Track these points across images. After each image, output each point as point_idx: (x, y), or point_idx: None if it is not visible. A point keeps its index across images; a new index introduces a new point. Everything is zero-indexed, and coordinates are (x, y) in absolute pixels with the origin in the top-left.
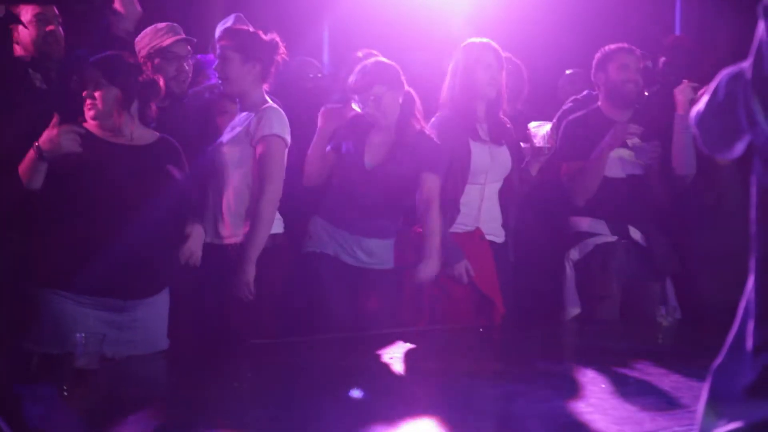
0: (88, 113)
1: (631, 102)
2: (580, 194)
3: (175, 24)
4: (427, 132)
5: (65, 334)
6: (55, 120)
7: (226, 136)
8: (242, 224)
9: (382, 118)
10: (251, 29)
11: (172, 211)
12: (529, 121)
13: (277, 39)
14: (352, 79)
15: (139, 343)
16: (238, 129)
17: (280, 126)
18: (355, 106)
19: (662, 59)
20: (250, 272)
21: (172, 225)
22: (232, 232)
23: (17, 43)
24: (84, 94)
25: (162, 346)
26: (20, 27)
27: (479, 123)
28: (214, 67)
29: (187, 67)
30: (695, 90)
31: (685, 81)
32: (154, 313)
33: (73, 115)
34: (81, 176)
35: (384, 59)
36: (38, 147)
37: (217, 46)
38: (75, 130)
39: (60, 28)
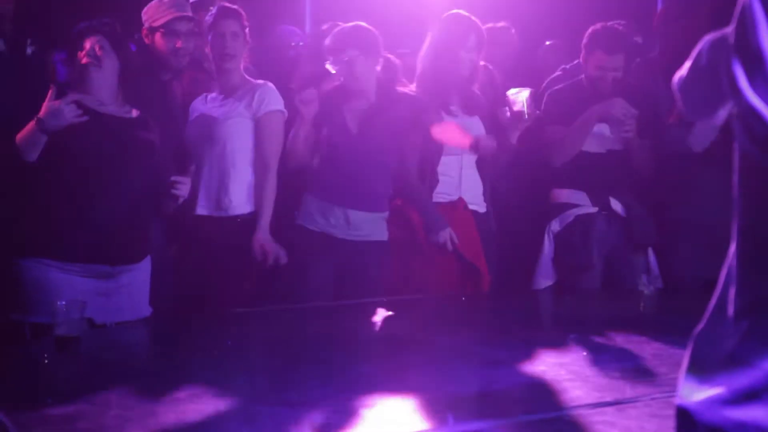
0: (86, 71)
1: (608, 94)
2: (558, 155)
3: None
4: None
5: (52, 303)
6: (52, 91)
7: (217, 110)
8: (245, 196)
9: (354, 81)
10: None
11: (153, 179)
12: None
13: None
14: (327, 41)
15: (126, 309)
16: (234, 104)
17: (280, 101)
18: (330, 67)
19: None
20: (268, 239)
21: (153, 193)
22: (236, 204)
23: None
24: (85, 56)
25: (145, 312)
26: None
27: (451, 96)
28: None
29: (188, 44)
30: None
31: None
32: (139, 279)
33: (33, 80)
34: (68, 144)
35: (363, 24)
36: (40, 120)
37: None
38: (76, 100)
39: None
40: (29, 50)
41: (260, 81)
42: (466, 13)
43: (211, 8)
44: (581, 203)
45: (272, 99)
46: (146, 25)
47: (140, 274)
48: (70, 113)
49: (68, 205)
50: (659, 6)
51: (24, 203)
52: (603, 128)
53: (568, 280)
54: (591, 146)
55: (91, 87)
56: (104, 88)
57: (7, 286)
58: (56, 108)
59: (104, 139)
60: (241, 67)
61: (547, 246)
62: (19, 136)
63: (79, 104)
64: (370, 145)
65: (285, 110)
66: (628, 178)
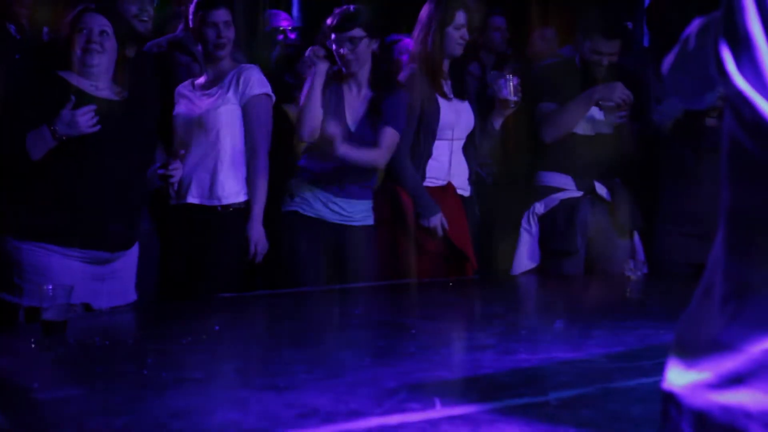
0: (87, 57)
1: (600, 78)
2: (550, 131)
3: None
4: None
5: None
6: (71, 102)
7: (207, 98)
8: (238, 184)
9: (356, 62)
10: None
11: (145, 163)
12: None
13: None
14: (330, 19)
15: (118, 293)
16: (220, 90)
17: (266, 84)
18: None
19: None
20: (260, 231)
21: (144, 178)
22: (229, 192)
23: None
24: (86, 40)
25: (132, 298)
26: None
27: (444, 79)
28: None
29: (149, 8)
30: None
31: None
32: (130, 263)
33: (49, 64)
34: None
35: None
36: (55, 131)
37: None
38: (93, 109)
39: None
40: (45, 37)
41: (246, 65)
42: None
43: None
44: (566, 187)
45: (257, 82)
46: None
47: (131, 259)
48: (84, 123)
49: (68, 190)
50: None
51: (23, 187)
52: (594, 111)
53: (551, 265)
54: (580, 128)
55: (90, 71)
56: (102, 72)
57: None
58: (71, 118)
59: (102, 124)
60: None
61: (533, 228)
62: (30, 136)
63: (72, 87)
64: (365, 140)
65: (272, 94)
66: (615, 162)
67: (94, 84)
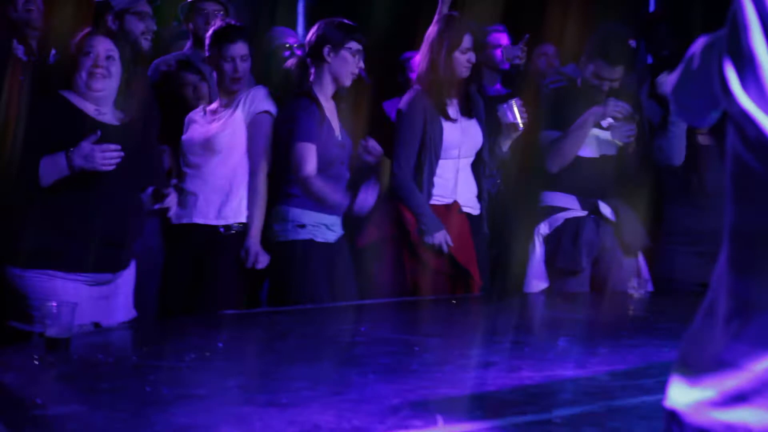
0: (93, 82)
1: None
2: (556, 161)
3: None
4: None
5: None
6: (95, 136)
7: (215, 123)
8: (241, 205)
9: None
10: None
11: (144, 183)
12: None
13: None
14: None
15: (120, 310)
16: (228, 112)
17: (269, 102)
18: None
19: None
20: (256, 246)
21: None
22: (236, 212)
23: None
24: (93, 64)
25: (132, 314)
26: None
27: (450, 99)
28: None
29: (152, 25)
30: None
31: None
32: (129, 280)
33: (54, 86)
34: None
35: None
36: (72, 166)
37: None
38: (112, 148)
39: None
40: (52, 59)
41: (255, 86)
42: (458, 15)
43: (213, 20)
44: (571, 207)
45: (260, 100)
46: (117, 8)
47: (130, 275)
48: (101, 160)
49: (69, 216)
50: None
51: (24, 214)
52: (597, 132)
53: (557, 283)
54: (583, 150)
55: (95, 95)
56: (107, 97)
57: (10, 297)
58: (89, 152)
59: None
60: None
61: (538, 249)
62: (45, 162)
63: (74, 110)
64: (349, 155)
65: (273, 111)
66: (620, 183)
67: (98, 108)
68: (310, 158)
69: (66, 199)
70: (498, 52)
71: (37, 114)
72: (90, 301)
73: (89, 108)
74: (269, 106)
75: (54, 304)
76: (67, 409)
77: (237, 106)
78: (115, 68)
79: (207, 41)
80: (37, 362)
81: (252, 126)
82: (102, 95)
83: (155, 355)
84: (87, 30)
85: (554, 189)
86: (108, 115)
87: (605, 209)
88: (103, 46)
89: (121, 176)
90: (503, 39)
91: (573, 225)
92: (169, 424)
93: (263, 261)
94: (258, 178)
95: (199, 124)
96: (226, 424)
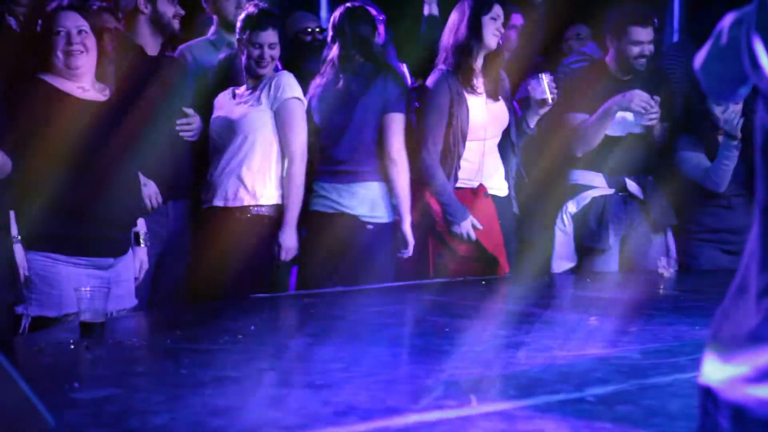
0: (71, 60)
1: (640, 73)
2: (580, 147)
3: None
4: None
5: (61, 297)
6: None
7: (241, 106)
8: (265, 188)
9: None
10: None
11: (139, 164)
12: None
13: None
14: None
15: (124, 297)
16: (252, 93)
17: (298, 88)
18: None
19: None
20: (293, 238)
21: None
22: (253, 196)
23: None
24: (66, 41)
25: (133, 302)
26: None
27: (476, 75)
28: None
29: (181, 11)
30: None
31: None
32: (131, 268)
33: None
34: (60, 137)
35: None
36: None
37: None
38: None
39: None
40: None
41: (280, 71)
42: None
43: (245, 4)
44: (598, 185)
45: (289, 87)
46: None
47: (129, 263)
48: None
49: (65, 197)
50: None
51: (25, 198)
52: (625, 113)
53: (585, 262)
54: (611, 129)
55: (74, 73)
56: (87, 72)
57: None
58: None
59: (92, 127)
60: None
61: (565, 227)
62: None
63: (58, 92)
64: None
65: (303, 98)
66: (647, 160)
67: (80, 86)
68: None
69: (61, 179)
70: (512, 33)
71: (20, 101)
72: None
73: (71, 87)
74: (297, 91)
75: (87, 289)
76: (104, 392)
77: (262, 90)
78: (90, 42)
79: (238, 24)
80: (72, 347)
81: (281, 113)
82: (81, 72)
83: (189, 339)
84: (54, 5)
85: (581, 167)
86: (91, 91)
87: (633, 187)
88: (73, 22)
89: (112, 154)
90: (517, 19)
91: (600, 203)
92: (205, 406)
93: (291, 255)
94: (294, 168)
95: (226, 107)
96: (261, 405)
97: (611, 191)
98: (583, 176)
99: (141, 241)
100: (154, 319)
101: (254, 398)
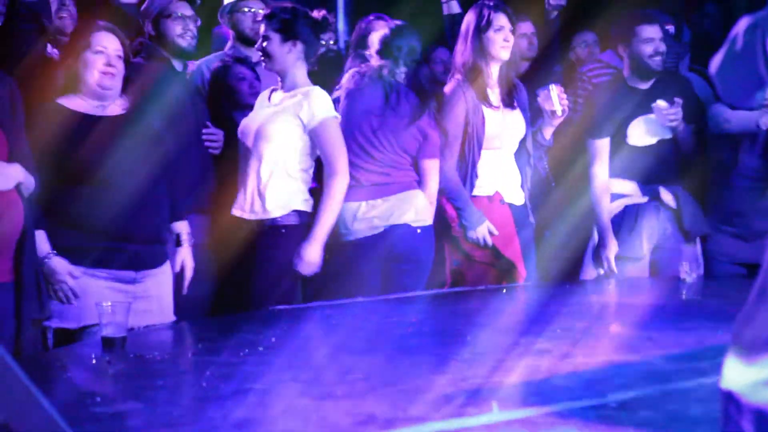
0: (106, 80)
1: (656, 72)
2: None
3: None
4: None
5: (82, 309)
6: None
7: (261, 113)
8: (279, 202)
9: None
10: (293, 6)
11: (164, 178)
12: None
13: (326, 17)
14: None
15: (154, 312)
16: (282, 107)
17: (329, 105)
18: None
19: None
20: (318, 252)
21: (166, 193)
22: (268, 209)
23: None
24: (106, 63)
25: (169, 318)
26: None
27: (491, 87)
28: (256, 46)
29: (192, 27)
30: None
31: None
32: (163, 283)
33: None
34: (79, 155)
35: None
36: None
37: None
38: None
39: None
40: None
41: (313, 87)
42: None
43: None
44: (631, 193)
45: (324, 105)
46: (151, 17)
47: (163, 278)
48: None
49: (88, 212)
50: None
51: (45, 212)
52: (650, 117)
53: (617, 272)
54: (641, 140)
55: (105, 93)
56: (114, 95)
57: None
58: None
59: (110, 141)
60: (304, 69)
61: (596, 235)
62: None
63: (74, 114)
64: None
65: (337, 113)
66: (679, 166)
67: (101, 104)
68: None
69: (80, 193)
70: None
71: (37, 127)
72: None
73: (90, 106)
74: (330, 109)
75: (109, 304)
76: (126, 406)
77: (293, 102)
78: (121, 66)
79: (262, 29)
80: (94, 361)
81: (320, 133)
82: (111, 94)
83: (210, 352)
84: (91, 24)
85: (614, 175)
86: (110, 106)
87: (666, 195)
88: (114, 46)
89: (131, 167)
90: (527, 28)
91: (633, 211)
92: (227, 419)
93: (312, 271)
94: (339, 183)
95: (256, 110)
96: (284, 417)
97: (645, 199)
98: (616, 184)
99: (181, 241)
100: (175, 332)
101: (275, 410)
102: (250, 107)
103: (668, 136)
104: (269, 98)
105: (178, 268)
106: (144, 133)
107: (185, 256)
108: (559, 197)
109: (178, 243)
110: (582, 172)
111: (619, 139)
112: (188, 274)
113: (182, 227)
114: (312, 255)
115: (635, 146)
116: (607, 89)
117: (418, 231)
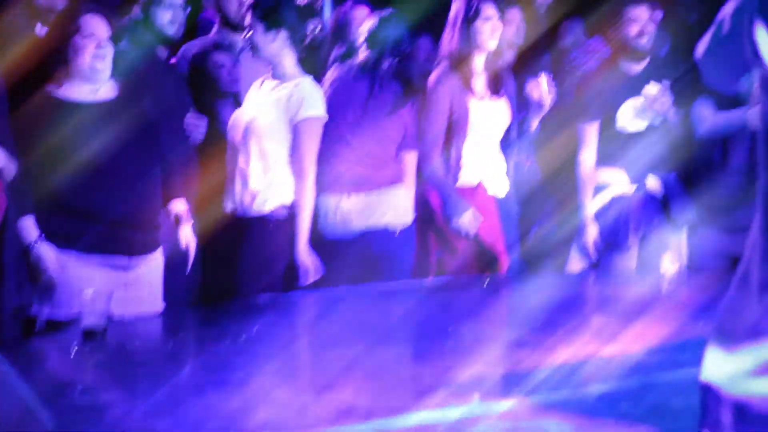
0: (97, 63)
1: (645, 53)
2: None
3: None
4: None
5: (72, 296)
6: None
7: (251, 105)
8: (269, 194)
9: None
10: None
11: (157, 163)
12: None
13: (312, 3)
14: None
15: (145, 300)
16: (271, 99)
17: (319, 103)
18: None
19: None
20: (306, 253)
21: (159, 179)
22: (256, 201)
23: None
24: (96, 46)
25: (159, 306)
26: None
27: (476, 76)
28: (242, 36)
29: (181, 15)
30: None
31: None
32: (154, 270)
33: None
34: (70, 140)
35: None
36: None
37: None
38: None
39: None
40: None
41: (305, 80)
42: None
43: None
44: (618, 182)
45: (311, 102)
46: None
47: (154, 265)
48: None
49: (80, 197)
50: None
51: (37, 197)
52: (642, 105)
53: (604, 261)
54: (631, 126)
55: (97, 76)
56: (104, 76)
57: (24, 278)
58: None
59: (102, 125)
60: (293, 58)
61: (584, 225)
62: None
63: (65, 102)
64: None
65: (324, 112)
66: (668, 154)
67: (94, 88)
68: None
69: (74, 178)
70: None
71: (27, 116)
72: (105, 287)
73: (81, 92)
74: (318, 107)
75: (89, 292)
76: (107, 396)
77: (280, 95)
78: (111, 48)
79: (247, 20)
80: (75, 351)
81: (301, 129)
82: (102, 76)
83: (192, 342)
84: (83, 8)
85: (602, 163)
86: (101, 90)
87: (654, 184)
88: (103, 29)
89: (124, 152)
90: (515, 15)
91: (620, 202)
92: (207, 409)
93: (316, 272)
94: (306, 183)
95: (247, 101)
96: (263, 407)
97: (632, 189)
98: (603, 174)
99: (180, 219)
100: (157, 322)
101: (256, 400)
102: (231, 95)
103: (658, 121)
104: (261, 87)
105: (183, 246)
106: (136, 118)
107: (187, 234)
108: (545, 188)
109: (177, 222)
110: (569, 162)
111: (608, 125)
112: (192, 251)
113: (179, 206)
114: (307, 260)
115: (624, 133)
116: (596, 73)
117: (396, 234)
